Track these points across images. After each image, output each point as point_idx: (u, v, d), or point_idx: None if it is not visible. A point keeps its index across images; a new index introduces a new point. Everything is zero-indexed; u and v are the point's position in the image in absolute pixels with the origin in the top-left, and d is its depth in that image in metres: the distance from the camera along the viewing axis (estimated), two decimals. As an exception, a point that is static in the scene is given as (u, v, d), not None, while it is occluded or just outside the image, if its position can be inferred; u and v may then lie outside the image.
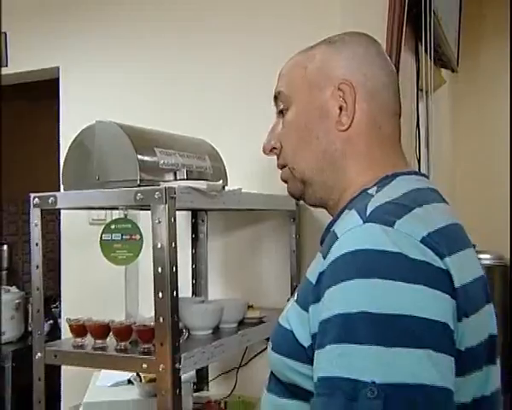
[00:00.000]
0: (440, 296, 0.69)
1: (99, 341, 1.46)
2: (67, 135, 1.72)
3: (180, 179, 1.51)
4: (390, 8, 1.96)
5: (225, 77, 2.20)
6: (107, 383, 1.90)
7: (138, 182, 1.41)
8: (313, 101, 0.89)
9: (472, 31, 3.81)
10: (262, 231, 2.16)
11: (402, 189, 0.81)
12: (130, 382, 1.84)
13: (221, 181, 1.54)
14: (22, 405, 1.62)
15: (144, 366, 1.36)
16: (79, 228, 2.34)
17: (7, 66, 2.65)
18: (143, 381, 1.76)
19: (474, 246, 0.87)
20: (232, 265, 2.20)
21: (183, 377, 1.75)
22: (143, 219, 1.51)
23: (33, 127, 4.06)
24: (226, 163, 1.83)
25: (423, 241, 0.71)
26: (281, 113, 0.94)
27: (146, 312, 1.86)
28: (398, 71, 1.99)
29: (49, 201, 1.46)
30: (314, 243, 1.25)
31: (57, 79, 2.50)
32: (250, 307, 1.84)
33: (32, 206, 1.48)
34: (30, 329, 3.11)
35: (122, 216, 1.45)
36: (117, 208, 1.59)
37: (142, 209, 1.60)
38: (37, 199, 1.48)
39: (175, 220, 1.35)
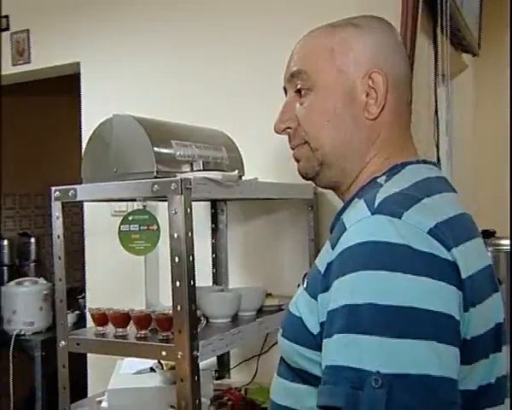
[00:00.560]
0: (446, 288, 0.70)
1: (120, 329, 1.50)
2: (89, 128, 1.75)
3: (196, 170, 1.53)
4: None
5: (242, 68, 2.21)
6: (130, 370, 1.94)
7: (155, 174, 1.44)
8: (341, 85, 0.87)
9: (495, 14, 3.74)
10: (280, 219, 2.17)
11: (411, 178, 0.81)
12: (152, 369, 1.87)
13: (237, 171, 1.56)
14: (52, 392, 1.69)
15: (163, 353, 1.39)
16: (102, 220, 2.39)
17: (29, 62, 2.71)
18: (165, 368, 1.80)
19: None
20: (251, 254, 2.22)
21: (204, 364, 1.79)
22: (162, 210, 1.54)
23: (58, 121, 4.13)
24: (243, 153, 1.85)
25: (430, 232, 0.72)
26: (298, 92, 0.90)
27: (166, 300, 1.89)
28: (413, 55, 1.98)
29: (70, 194, 1.50)
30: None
31: (78, 74, 2.54)
32: (269, 295, 1.86)
33: (53, 199, 1.52)
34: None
35: (141, 207, 1.48)
36: (136, 200, 1.62)
37: (159, 200, 1.63)
38: (57, 192, 1.51)
39: (191, 211, 1.37)
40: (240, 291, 1.74)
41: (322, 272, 0.77)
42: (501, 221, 2.44)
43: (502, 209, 3.01)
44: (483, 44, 3.54)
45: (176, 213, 1.35)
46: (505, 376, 0.81)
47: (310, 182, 0.96)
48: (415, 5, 1.92)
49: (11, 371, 3.00)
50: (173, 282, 1.35)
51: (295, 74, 0.90)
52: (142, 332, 1.48)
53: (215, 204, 2.18)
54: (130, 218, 1.42)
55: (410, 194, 0.77)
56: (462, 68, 3.14)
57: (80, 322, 2.98)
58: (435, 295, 0.69)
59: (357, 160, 0.88)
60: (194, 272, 1.37)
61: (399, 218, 0.72)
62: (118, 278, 2.40)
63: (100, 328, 1.53)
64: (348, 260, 0.72)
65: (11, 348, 3.00)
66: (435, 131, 2.30)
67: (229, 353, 2.16)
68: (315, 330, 0.77)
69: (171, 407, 1.61)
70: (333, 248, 0.77)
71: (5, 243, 3.71)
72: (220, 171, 1.56)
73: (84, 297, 3.22)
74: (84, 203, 2.35)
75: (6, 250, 3.69)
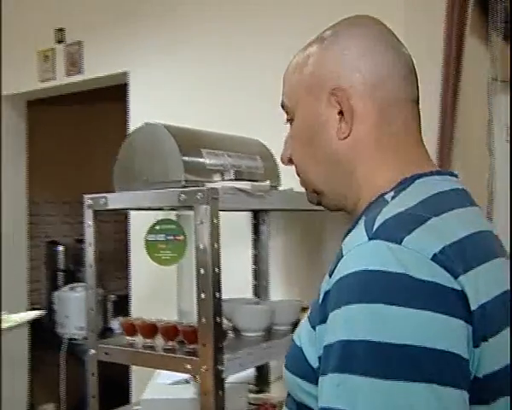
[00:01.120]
0: (451, 322, 0.63)
1: (148, 340, 1.49)
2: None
3: (227, 180, 1.50)
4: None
5: (280, 75, 2.17)
6: (167, 380, 1.93)
7: (183, 183, 1.42)
8: (311, 110, 0.82)
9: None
10: (322, 231, 2.11)
11: (419, 195, 0.73)
12: (186, 381, 1.85)
13: (268, 181, 1.52)
14: (104, 395, 1.72)
15: (188, 366, 1.37)
16: (146, 228, 2.40)
17: (82, 73, 2.78)
18: (198, 380, 1.77)
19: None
20: (293, 266, 2.17)
21: (239, 377, 1.75)
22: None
23: (103, 130, 4.21)
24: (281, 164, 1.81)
25: (434, 258, 0.64)
26: (289, 122, 0.87)
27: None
28: (460, 59, 1.87)
29: (101, 202, 1.51)
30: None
31: (125, 84, 2.58)
32: (306, 309, 1.81)
33: (85, 207, 1.53)
34: (108, 325, 3.24)
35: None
36: (170, 209, 1.61)
37: (189, 210, 1.61)
38: (89, 200, 1.52)
39: (218, 221, 1.34)
40: (274, 304, 1.69)
41: (320, 301, 0.72)
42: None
43: None
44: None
45: (202, 223, 1.32)
46: None
47: None
48: (462, 6, 1.81)
49: (63, 374, 3.08)
50: (198, 294, 1.33)
51: (282, 106, 0.88)
52: (170, 344, 1.46)
53: (257, 214, 2.14)
54: (157, 227, 1.41)
55: (415, 214, 0.70)
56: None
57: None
58: (437, 331, 0.62)
59: (345, 181, 0.81)
60: (219, 284, 1.34)
61: (399, 243, 0.65)
62: (161, 286, 2.40)
63: (129, 338, 1.52)
64: (344, 290, 0.67)
65: (63, 352, 3.09)
66: (490, 139, 2.18)
67: (268, 365, 2.11)
68: (314, 363, 0.72)
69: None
70: (330, 276, 0.71)
71: (61, 248, 3.83)
72: (253, 181, 1.52)
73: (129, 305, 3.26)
74: (131, 212, 2.37)
75: (61, 256, 3.80)
